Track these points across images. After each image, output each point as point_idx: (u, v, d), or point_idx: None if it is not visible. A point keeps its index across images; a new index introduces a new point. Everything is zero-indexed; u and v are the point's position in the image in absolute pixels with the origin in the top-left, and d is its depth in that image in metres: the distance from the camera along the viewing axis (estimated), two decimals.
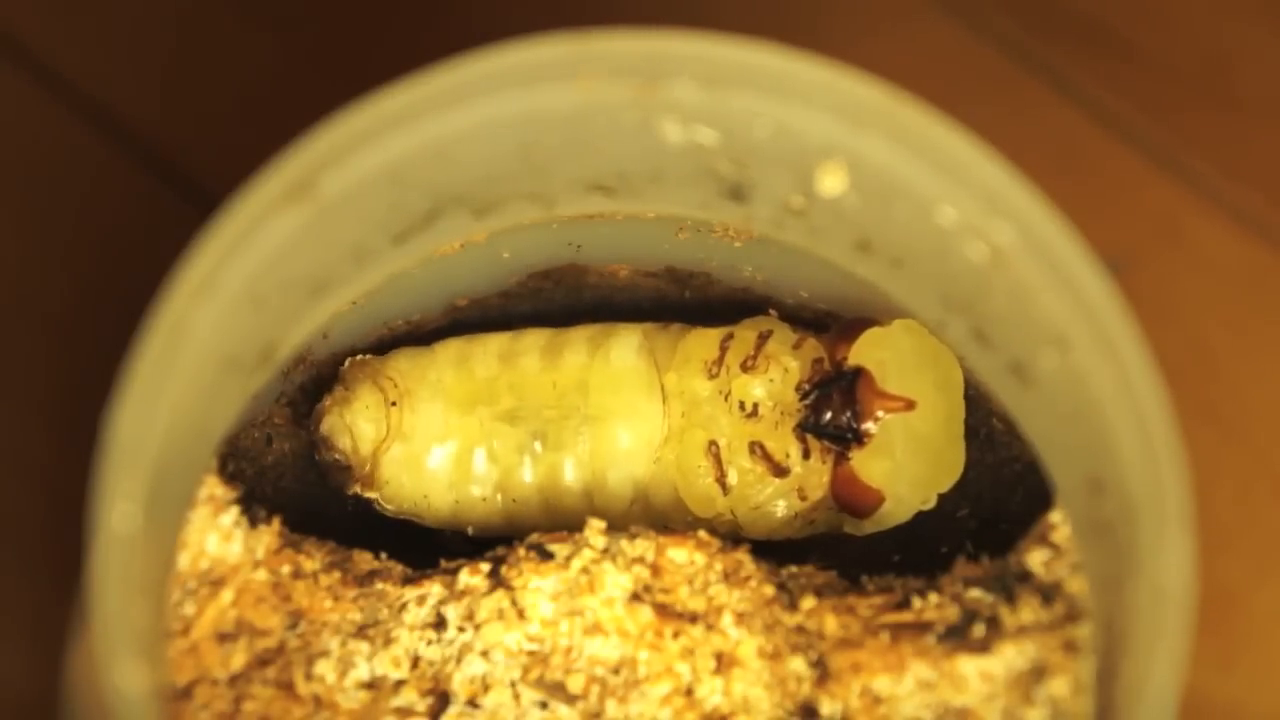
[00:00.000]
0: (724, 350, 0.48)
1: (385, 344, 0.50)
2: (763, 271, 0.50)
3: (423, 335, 0.51)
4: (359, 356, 0.50)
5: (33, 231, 0.62)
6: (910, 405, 0.47)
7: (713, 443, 0.48)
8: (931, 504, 0.48)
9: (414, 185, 0.43)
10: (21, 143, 0.63)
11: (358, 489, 0.49)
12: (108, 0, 0.64)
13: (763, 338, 0.48)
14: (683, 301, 0.51)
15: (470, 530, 0.50)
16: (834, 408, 0.47)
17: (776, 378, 0.48)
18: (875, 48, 0.65)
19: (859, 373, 0.47)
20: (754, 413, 0.48)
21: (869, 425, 0.47)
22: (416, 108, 0.41)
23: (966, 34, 0.65)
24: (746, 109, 0.42)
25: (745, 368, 0.48)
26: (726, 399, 0.48)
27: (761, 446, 0.48)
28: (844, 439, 0.47)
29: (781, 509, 0.48)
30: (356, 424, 0.49)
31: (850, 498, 0.47)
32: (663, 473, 0.48)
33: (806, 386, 0.48)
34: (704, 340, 0.49)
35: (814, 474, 0.48)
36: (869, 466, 0.47)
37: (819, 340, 0.48)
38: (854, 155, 0.42)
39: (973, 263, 0.42)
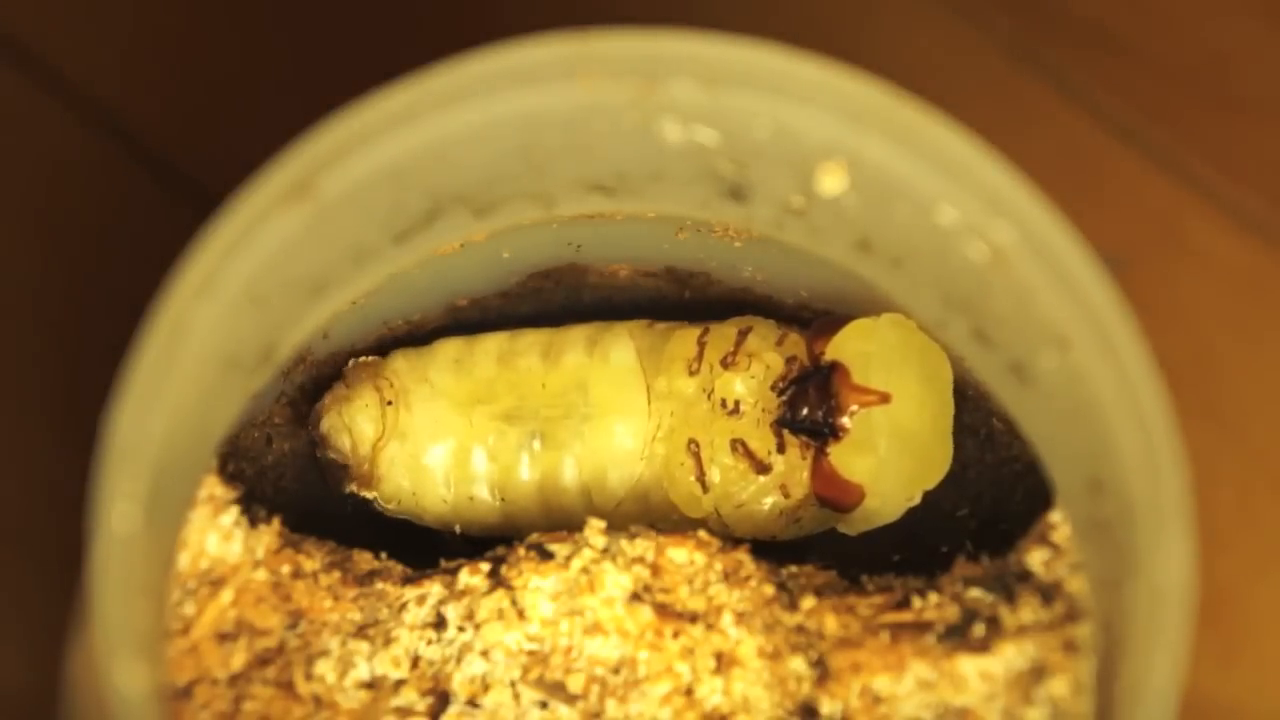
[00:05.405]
0: (702, 346, 0.48)
1: (385, 344, 0.50)
2: (763, 271, 0.50)
3: (422, 335, 0.51)
4: (361, 358, 0.50)
5: (32, 231, 0.62)
6: (886, 399, 0.47)
7: (692, 440, 0.48)
8: (918, 501, 0.48)
9: (414, 185, 0.43)
10: (21, 143, 0.63)
11: (355, 488, 0.49)
12: (108, 1, 0.64)
13: (742, 334, 0.48)
14: (682, 301, 0.51)
15: (467, 529, 0.50)
16: (809, 403, 0.47)
17: (758, 374, 0.48)
18: (875, 48, 0.65)
19: (834, 367, 0.47)
20: (735, 410, 0.48)
21: (844, 420, 0.47)
22: (416, 108, 0.41)
23: (967, 34, 0.65)
24: (746, 109, 0.42)
25: (725, 364, 0.48)
26: (709, 396, 0.48)
27: (743, 444, 0.48)
28: (820, 434, 0.47)
29: (767, 506, 0.48)
30: (355, 423, 0.49)
31: (830, 494, 0.47)
32: (654, 472, 0.48)
33: (783, 383, 0.48)
34: (686, 339, 0.49)
35: (795, 470, 0.48)
36: (851, 462, 0.47)
37: (800, 336, 0.48)
38: (854, 155, 0.42)
39: (973, 263, 0.42)
